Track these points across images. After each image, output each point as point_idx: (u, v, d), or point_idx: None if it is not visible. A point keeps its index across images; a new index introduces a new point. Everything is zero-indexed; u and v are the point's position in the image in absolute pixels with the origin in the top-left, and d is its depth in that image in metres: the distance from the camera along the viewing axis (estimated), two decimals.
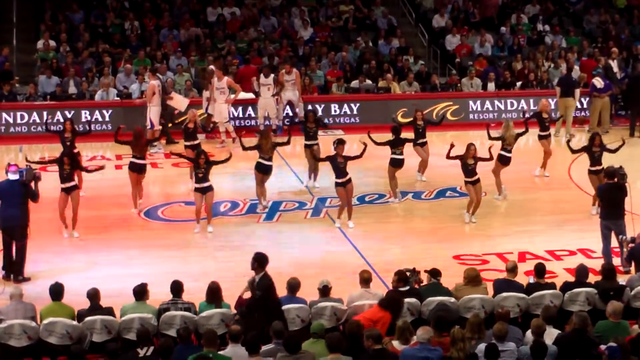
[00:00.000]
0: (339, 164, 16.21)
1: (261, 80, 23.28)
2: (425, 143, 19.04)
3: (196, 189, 16.12)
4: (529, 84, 25.98)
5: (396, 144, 17.69)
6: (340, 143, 16.35)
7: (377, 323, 10.80)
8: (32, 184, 14.11)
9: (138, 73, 24.32)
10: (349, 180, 16.27)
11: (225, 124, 22.47)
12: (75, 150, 17.55)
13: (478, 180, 16.63)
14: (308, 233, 16.30)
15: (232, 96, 22.67)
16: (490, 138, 17.99)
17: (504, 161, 17.98)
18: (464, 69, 26.61)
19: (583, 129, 24.51)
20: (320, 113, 24.28)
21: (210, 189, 16.05)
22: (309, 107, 24.20)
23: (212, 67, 23.36)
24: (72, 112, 23.17)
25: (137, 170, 17.09)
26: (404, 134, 18.07)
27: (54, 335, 10.78)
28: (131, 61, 25.03)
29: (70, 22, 27.02)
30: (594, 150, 16.91)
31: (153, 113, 21.90)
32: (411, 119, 19.83)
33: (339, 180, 16.22)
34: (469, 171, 16.59)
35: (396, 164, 17.78)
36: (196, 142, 18.50)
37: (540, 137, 19.44)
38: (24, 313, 11.12)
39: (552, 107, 22.91)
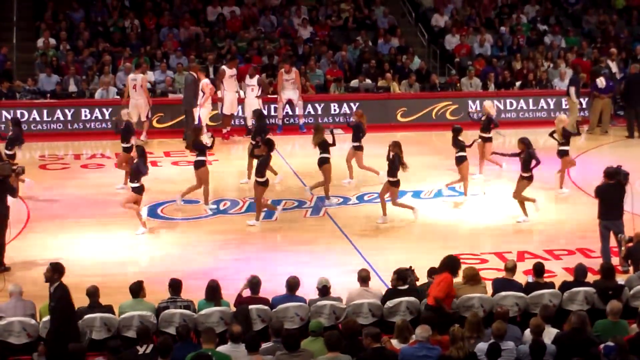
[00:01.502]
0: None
1: (246, 81, 23.17)
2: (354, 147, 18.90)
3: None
4: (528, 84, 26.02)
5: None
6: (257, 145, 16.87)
7: (441, 283, 11.31)
8: (12, 180, 14.07)
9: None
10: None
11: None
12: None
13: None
14: (307, 232, 16.32)
15: (202, 100, 22.09)
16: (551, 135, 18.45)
17: (559, 154, 18.36)
18: (463, 69, 26.61)
19: (583, 129, 24.53)
20: (319, 112, 24.37)
21: None
22: (308, 106, 24.29)
23: (224, 67, 23.31)
24: (72, 110, 23.23)
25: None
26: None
27: None
28: (131, 60, 25.04)
29: (71, 21, 27.03)
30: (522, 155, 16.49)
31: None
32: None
33: None
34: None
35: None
36: (128, 144, 18.39)
37: (482, 139, 19.19)
38: (23, 310, 11.16)
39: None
